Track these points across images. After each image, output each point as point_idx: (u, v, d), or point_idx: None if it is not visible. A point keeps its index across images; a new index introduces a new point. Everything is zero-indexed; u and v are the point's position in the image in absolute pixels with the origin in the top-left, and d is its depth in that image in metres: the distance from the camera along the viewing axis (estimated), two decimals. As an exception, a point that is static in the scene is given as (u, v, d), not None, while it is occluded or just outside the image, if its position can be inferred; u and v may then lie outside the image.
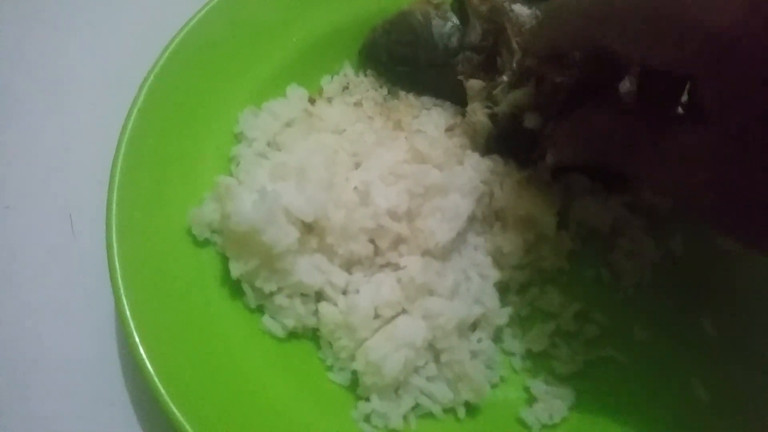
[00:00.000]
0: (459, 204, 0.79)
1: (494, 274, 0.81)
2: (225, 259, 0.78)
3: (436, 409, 0.76)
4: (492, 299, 0.79)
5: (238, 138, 0.86)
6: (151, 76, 0.82)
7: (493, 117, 0.84)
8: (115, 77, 0.95)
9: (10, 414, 0.77)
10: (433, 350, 0.77)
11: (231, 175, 0.83)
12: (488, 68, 0.87)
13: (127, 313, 0.70)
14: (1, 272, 0.85)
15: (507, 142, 0.85)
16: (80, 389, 0.79)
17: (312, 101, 0.90)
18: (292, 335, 0.79)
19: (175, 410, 0.67)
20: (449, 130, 0.86)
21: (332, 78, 0.94)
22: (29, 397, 0.78)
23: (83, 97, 0.97)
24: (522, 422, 0.77)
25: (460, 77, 0.88)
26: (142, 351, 0.69)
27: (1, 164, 0.91)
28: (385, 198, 0.78)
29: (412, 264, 0.77)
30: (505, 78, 0.83)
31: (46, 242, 0.87)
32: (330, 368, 0.78)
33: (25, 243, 0.86)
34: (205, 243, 0.79)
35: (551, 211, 0.82)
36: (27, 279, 0.85)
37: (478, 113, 0.85)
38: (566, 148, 0.73)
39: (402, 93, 0.93)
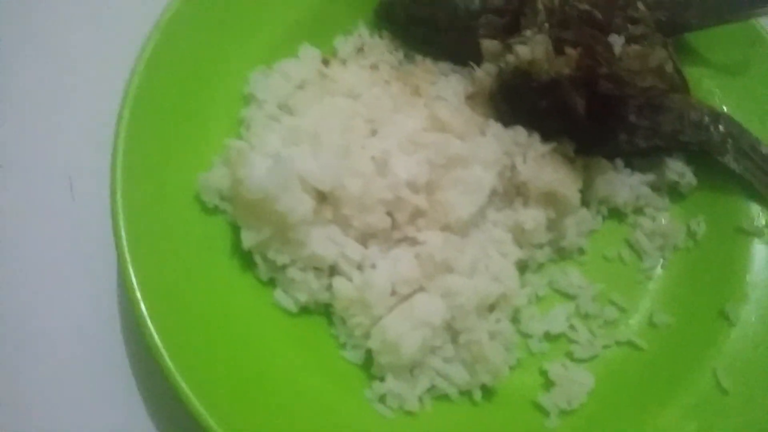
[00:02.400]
0: (481, 177, 0.75)
1: (514, 252, 0.77)
2: (235, 229, 0.74)
3: (452, 391, 0.73)
4: (512, 278, 0.76)
5: (248, 99, 0.81)
6: (156, 32, 0.76)
7: (499, 74, 0.80)
8: (116, 33, 0.89)
9: (5, 383, 0.73)
10: (451, 330, 0.73)
11: (240, 138, 0.78)
12: (510, 32, 0.82)
13: (134, 282, 0.65)
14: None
15: (511, 98, 0.81)
16: (78, 357, 0.75)
17: (326, 62, 0.84)
18: (304, 310, 0.75)
19: (180, 380, 0.63)
20: (470, 98, 0.82)
21: (346, 38, 0.88)
22: (25, 366, 0.74)
23: (82, 53, 0.90)
24: (539, 407, 0.75)
25: (480, 40, 0.83)
26: (148, 321, 0.64)
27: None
28: (404, 168, 0.74)
29: (432, 239, 0.73)
30: (528, 33, 0.79)
31: (43, 205, 0.81)
32: (343, 346, 0.75)
33: (19, 205, 0.81)
34: (214, 210, 0.74)
35: (575, 187, 0.79)
36: (23, 243, 0.80)
37: (485, 72, 0.81)
38: None
39: (419, 57, 0.88)
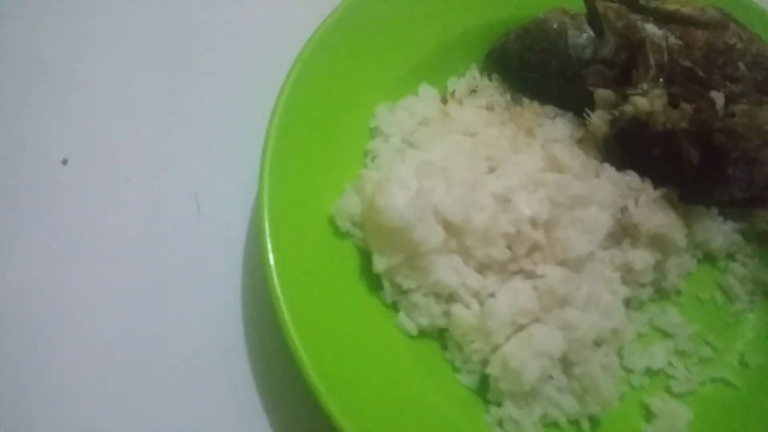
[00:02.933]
0: (599, 217, 0.79)
1: (622, 290, 0.81)
2: (362, 252, 0.78)
3: (562, 420, 0.77)
4: (621, 315, 0.80)
5: (373, 132, 0.86)
6: (294, 70, 0.80)
7: (613, 123, 0.85)
8: (251, 65, 0.95)
9: (127, 395, 0.76)
10: (564, 361, 0.77)
11: (366, 167, 0.83)
12: (619, 82, 0.88)
13: (280, 296, 0.70)
14: (119, 248, 0.83)
15: (625, 145, 0.85)
16: (202, 369, 0.78)
17: (444, 101, 0.90)
18: (420, 334, 0.79)
19: (323, 391, 0.67)
20: (581, 141, 0.87)
21: (459, 79, 0.93)
22: (147, 379, 0.77)
23: (216, 81, 0.95)
24: (642, 438, 0.78)
25: (590, 88, 0.88)
26: (292, 332, 0.69)
27: (126, 136, 0.89)
28: (527, 205, 0.78)
29: (552, 274, 0.77)
30: (644, 86, 0.84)
31: (168, 220, 0.85)
32: (458, 370, 0.78)
33: (145, 219, 0.85)
34: (344, 235, 0.79)
35: (682, 231, 0.84)
36: (147, 256, 0.83)
37: (600, 119, 0.86)
38: None
39: (525, 100, 0.93)
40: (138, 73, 0.94)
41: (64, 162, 0.87)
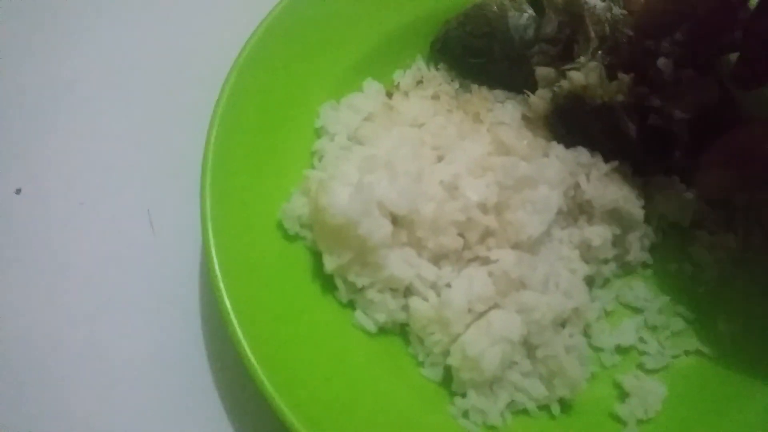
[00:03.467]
0: (548, 196, 0.78)
1: (582, 268, 0.80)
2: (314, 254, 0.77)
3: (531, 406, 0.75)
4: (582, 293, 0.78)
5: (319, 132, 0.85)
6: (233, 75, 0.80)
7: (553, 99, 0.84)
8: (191, 74, 0.95)
9: (95, 415, 0.76)
10: (527, 345, 0.76)
11: (314, 168, 0.82)
12: (563, 60, 0.86)
13: (228, 307, 0.69)
14: (77, 271, 0.83)
15: (566, 121, 0.84)
16: (164, 385, 0.78)
17: (389, 95, 0.89)
18: (381, 330, 0.78)
19: (276, 397, 0.66)
20: (527, 122, 0.85)
21: (405, 72, 0.93)
22: (111, 398, 0.77)
23: (158, 94, 0.96)
24: (616, 417, 0.77)
25: (535, 68, 0.86)
26: (244, 344, 0.68)
27: (75, 159, 0.90)
28: (474, 191, 0.77)
29: (505, 257, 0.76)
30: (581, 60, 0.82)
31: (123, 239, 0.85)
32: (421, 364, 0.77)
33: (101, 240, 0.85)
34: (294, 238, 0.78)
35: (638, 203, 0.82)
36: (105, 277, 0.83)
37: (540, 98, 0.85)
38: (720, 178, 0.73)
39: (474, 86, 0.92)
40: (83, 96, 0.94)
41: (18, 192, 0.87)
